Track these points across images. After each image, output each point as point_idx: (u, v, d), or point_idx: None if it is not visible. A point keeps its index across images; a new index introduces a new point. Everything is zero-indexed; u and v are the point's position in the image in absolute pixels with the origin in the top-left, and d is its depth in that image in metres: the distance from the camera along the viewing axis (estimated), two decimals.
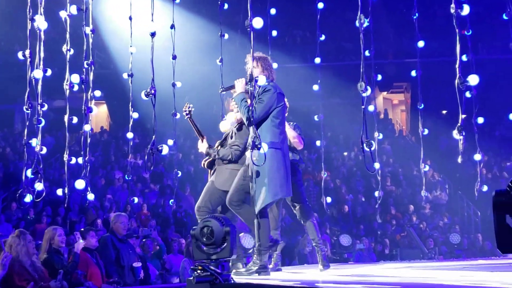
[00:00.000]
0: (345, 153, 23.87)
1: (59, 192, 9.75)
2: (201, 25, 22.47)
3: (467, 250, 16.52)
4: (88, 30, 9.37)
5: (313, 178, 19.99)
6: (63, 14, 9.06)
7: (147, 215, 16.85)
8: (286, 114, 7.83)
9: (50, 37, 9.07)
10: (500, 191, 3.44)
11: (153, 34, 7.80)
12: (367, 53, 9.83)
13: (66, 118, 9.06)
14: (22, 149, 9.50)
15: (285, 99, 7.37)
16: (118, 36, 21.26)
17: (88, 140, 9.45)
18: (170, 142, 10.64)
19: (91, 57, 9.37)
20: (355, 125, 21.74)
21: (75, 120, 9.26)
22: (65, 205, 10.07)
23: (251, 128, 6.52)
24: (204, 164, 7.87)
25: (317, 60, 11.18)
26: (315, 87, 11.23)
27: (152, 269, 11.18)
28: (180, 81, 10.04)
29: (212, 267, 5.39)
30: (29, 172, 8.18)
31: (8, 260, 8.14)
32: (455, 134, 7.03)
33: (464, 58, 8.20)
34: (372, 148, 6.11)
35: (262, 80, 6.96)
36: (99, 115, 27.18)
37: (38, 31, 8.41)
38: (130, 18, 9.80)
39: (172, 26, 9.61)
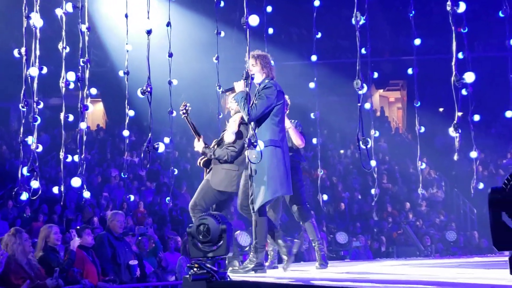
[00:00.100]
0: (342, 151, 23.88)
1: (55, 190, 9.75)
2: (197, 23, 22.42)
3: (463, 247, 16.53)
4: (84, 27, 9.36)
5: (309, 175, 19.98)
6: (58, 11, 9.04)
7: (144, 213, 16.84)
8: (287, 112, 7.85)
9: (46, 35, 9.04)
10: (496, 188, 3.45)
11: (149, 32, 7.80)
12: (363, 50, 9.84)
13: (62, 116, 9.05)
14: (18, 147, 9.49)
15: (286, 96, 7.39)
16: (114, 34, 21.27)
17: (84, 138, 9.44)
18: (167, 140, 10.63)
19: (87, 55, 9.35)
20: (351, 122, 21.71)
21: (71, 118, 9.24)
22: (62, 203, 10.06)
23: (249, 128, 6.51)
24: (200, 163, 7.86)
25: (314, 57, 11.19)
26: (311, 85, 11.23)
27: (148, 266, 11.18)
28: (176, 78, 10.04)
29: (208, 265, 5.39)
30: (25, 170, 8.16)
31: (4, 258, 8.13)
32: (451, 131, 7.04)
33: (460, 55, 8.20)
34: (368, 146, 6.11)
35: (258, 78, 6.96)
36: (95, 113, 27.15)
37: (33, 28, 8.39)
38: (126, 16, 9.79)
39: (168, 24, 9.59)
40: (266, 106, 6.77)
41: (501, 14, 8.86)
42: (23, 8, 8.37)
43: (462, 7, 6.83)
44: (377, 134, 11.00)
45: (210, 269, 5.34)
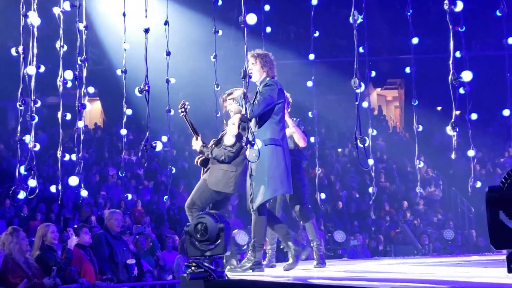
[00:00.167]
0: (339, 149, 23.88)
1: (53, 189, 9.74)
2: (195, 21, 22.42)
3: (461, 246, 16.55)
4: (81, 26, 9.34)
5: (307, 174, 19.95)
6: (56, 10, 9.03)
7: (141, 211, 16.84)
8: (289, 110, 7.86)
9: (43, 33, 9.06)
10: (493, 187, 3.45)
11: (146, 30, 7.77)
12: (361, 49, 9.86)
13: (59, 114, 9.04)
14: (15, 146, 9.48)
15: (288, 94, 7.40)
16: (111, 32, 21.23)
17: (82, 137, 9.43)
18: (164, 138, 10.63)
19: (84, 54, 9.34)
20: (349, 121, 21.73)
21: (68, 116, 9.24)
22: (59, 202, 10.06)
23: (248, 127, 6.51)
24: (197, 162, 7.84)
25: (311, 56, 11.18)
26: (309, 83, 11.22)
27: (146, 265, 11.17)
28: (174, 77, 10.03)
29: (206, 264, 5.39)
30: (22, 169, 8.17)
31: (1, 257, 8.13)
32: (449, 130, 7.03)
33: (457, 54, 8.21)
34: (366, 144, 6.11)
35: (257, 77, 6.96)
36: (93, 111, 27.13)
37: (31, 27, 8.38)
38: (124, 14, 9.77)
39: (166, 23, 9.59)
40: (268, 103, 6.78)
41: (498, 13, 8.86)
42: (21, 6, 8.37)
43: (459, 6, 6.82)
44: (375, 132, 11.00)
45: (208, 268, 5.34)
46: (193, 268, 5.38)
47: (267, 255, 8.16)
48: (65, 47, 9.02)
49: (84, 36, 9.38)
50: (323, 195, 11.80)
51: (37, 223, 13.76)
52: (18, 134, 8.37)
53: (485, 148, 22.08)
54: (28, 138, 8.28)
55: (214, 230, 5.54)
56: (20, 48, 8.29)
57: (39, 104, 8.57)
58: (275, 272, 7.29)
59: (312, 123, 11.40)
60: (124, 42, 9.84)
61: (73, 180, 9.15)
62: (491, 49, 23.52)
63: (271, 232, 7.83)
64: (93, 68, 17.73)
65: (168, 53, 9.64)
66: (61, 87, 8.73)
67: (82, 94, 9.23)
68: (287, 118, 7.74)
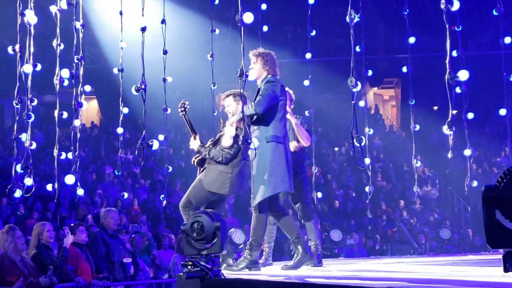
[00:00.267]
0: (336, 148, 23.90)
1: (49, 187, 9.74)
2: (192, 20, 22.43)
3: (457, 245, 16.56)
4: (78, 25, 9.32)
5: None
6: (53, 8, 9.01)
7: (138, 210, 16.84)
8: (292, 106, 7.87)
9: (40, 31, 9.03)
10: (490, 186, 3.45)
11: (143, 29, 7.77)
12: (357, 48, 9.85)
13: (56, 113, 9.04)
14: (12, 144, 9.47)
15: (290, 91, 7.44)
16: (108, 31, 21.24)
17: (78, 135, 9.42)
18: (161, 137, 10.61)
19: (81, 52, 9.32)
20: (345, 120, 21.73)
21: (65, 115, 9.23)
22: (55, 200, 10.06)
23: (246, 125, 6.52)
24: (194, 161, 7.83)
25: (308, 55, 11.18)
26: (306, 82, 11.22)
27: (142, 264, 11.17)
28: (170, 76, 10.01)
29: (202, 263, 5.38)
30: (18, 167, 8.15)
31: None
32: (445, 129, 7.05)
33: (454, 53, 8.22)
34: (363, 144, 6.11)
35: (256, 75, 6.97)
36: (90, 110, 27.09)
37: (28, 25, 8.37)
38: (121, 13, 9.76)
39: (163, 21, 9.57)
40: (272, 98, 6.82)
41: (495, 13, 8.86)
42: (18, 5, 8.35)
43: (456, 6, 6.84)
44: (371, 132, 11.00)
45: (204, 267, 5.33)
46: (189, 267, 5.38)
47: (264, 253, 8.16)
48: (62, 46, 9.01)
49: (81, 35, 9.36)
50: (319, 194, 11.78)
51: (34, 221, 13.76)
52: (15, 133, 8.36)
53: (481, 148, 22.12)
54: (25, 137, 8.27)
55: (211, 229, 5.53)
56: (17, 47, 8.27)
57: (35, 102, 8.57)
58: (272, 271, 7.29)
59: (309, 122, 11.37)
60: (121, 41, 9.83)
61: (70, 179, 9.14)
62: (488, 49, 23.56)
63: (269, 231, 7.84)
64: (90, 67, 17.75)
65: (165, 52, 9.62)
66: (58, 86, 8.71)
67: (79, 92, 9.21)
68: (290, 116, 7.76)
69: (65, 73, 8.84)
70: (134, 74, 8.50)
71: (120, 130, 10.43)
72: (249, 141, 6.14)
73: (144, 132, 7.27)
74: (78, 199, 12.33)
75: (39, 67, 8.56)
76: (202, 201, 7.44)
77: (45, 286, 8.30)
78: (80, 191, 9.72)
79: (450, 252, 15.18)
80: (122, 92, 9.53)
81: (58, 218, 15.64)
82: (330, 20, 25.03)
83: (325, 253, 13.83)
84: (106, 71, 19.91)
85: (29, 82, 8.31)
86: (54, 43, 8.93)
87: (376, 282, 5.15)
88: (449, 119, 6.97)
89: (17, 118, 8.28)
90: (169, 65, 9.68)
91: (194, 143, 7.66)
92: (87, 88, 10.15)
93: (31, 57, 8.41)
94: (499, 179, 3.41)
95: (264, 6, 10.62)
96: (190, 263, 5.38)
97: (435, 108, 24.24)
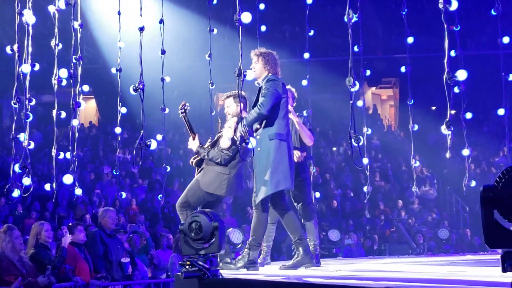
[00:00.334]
0: (334, 148, 23.88)
1: (48, 187, 9.73)
2: (190, 20, 22.41)
3: (455, 245, 16.55)
4: (76, 24, 9.33)
5: None
6: (51, 8, 9.02)
7: (136, 210, 16.83)
8: (294, 104, 7.88)
9: (38, 31, 9.03)
10: (488, 186, 3.45)
11: (141, 29, 7.77)
12: (356, 48, 9.85)
13: (54, 112, 9.03)
14: (10, 144, 9.46)
15: (293, 89, 7.46)
16: (106, 30, 21.21)
17: (77, 135, 9.43)
18: (159, 137, 10.61)
19: (79, 52, 9.33)
20: (344, 120, 21.75)
21: (63, 115, 9.23)
22: (54, 200, 10.06)
23: (243, 125, 6.53)
24: (192, 162, 7.83)
25: (306, 55, 11.20)
26: (304, 82, 11.23)
27: (140, 264, 11.16)
28: (169, 75, 10.02)
29: (200, 262, 5.38)
30: (17, 167, 8.15)
31: None
32: (444, 129, 7.05)
33: (452, 53, 8.22)
34: (361, 143, 6.11)
35: (250, 75, 6.97)
36: (88, 110, 27.10)
37: (26, 25, 8.37)
38: (119, 13, 9.77)
39: (161, 21, 9.57)
40: (275, 97, 6.85)
41: (493, 12, 8.86)
42: (16, 4, 8.35)
43: (454, 5, 6.83)
44: (370, 131, 11.01)
45: (202, 266, 5.33)
46: (187, 266, 5.37)
47: (262, 252, 8.15)
48: (60, 46, 9.01)
49: (79, 35, 9.37)
50: (317, 194, 11.80)
51: (32, 221, 13.74)
52: (13, 132, 8.36)
53: (480, 147, 22.11)
54: (23, 136, 8.27)
55: (209, 229, 5.53)
56: (15, 46, 8.27)
57: (33, 102, 8.56)
58: (270, 271, 7.29)
59: (307, 122, 11.40)
60: (119, 41, 9.83)
61: (68, 179, 9.14)
62: (486, 48, 23.55)
63: (268, 230, 7.83)
64: (88, 67, 17.73)
65: (163, 52, 9.63)
66: (56, 86, 8.71)
67: (77, 92, 9.22)
68: (292, 116, 7.76)
69: (63, 73, 8.84)
70: (132, 74, 8.51)
71: (118, 130, 10.43)
72: (247, 140, 6.14)
73: (142, 132, 7.27)
74: (76, 199, 12.30)
75: (37, 67, 8.56)
76: (199, 201, 7.45)
77: (43, 285, 8.29)
78: (78, 191, 9.72)
79: (448, 252, 15.19)
80: (120, 92, 9.54)
81: (56, 218, 15.62)
82: (328, 20, 25.03)
83: (323, 253, 13.84)
84: (104, 71, 19.91)
85: (27, 82, 8.31)
86: (52, 43, 8.93)
87: (374, 282, 5.16)
88: (447, 119, 6.97)
89: (15, 118, 8.28)
90: (167, 65, 9.70)
91: (193, 144, 7.66)
92: (85, 88, 10.14)
93: (29, 57, 8.41)
94: (497, 179, 3.41)
95: (262, 6, 10.62)
96: (188, 262, 5.37)
97: (433, 108, 24.23)
